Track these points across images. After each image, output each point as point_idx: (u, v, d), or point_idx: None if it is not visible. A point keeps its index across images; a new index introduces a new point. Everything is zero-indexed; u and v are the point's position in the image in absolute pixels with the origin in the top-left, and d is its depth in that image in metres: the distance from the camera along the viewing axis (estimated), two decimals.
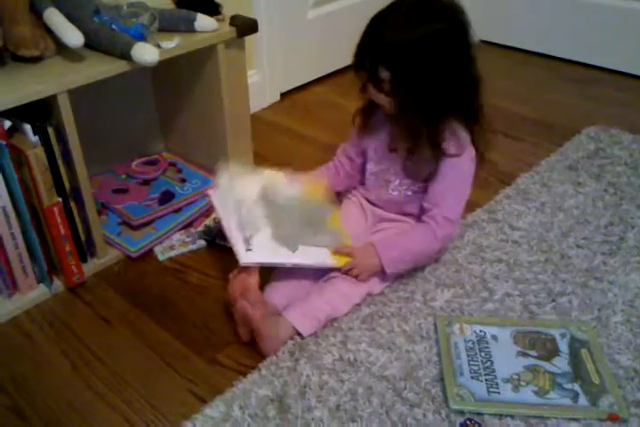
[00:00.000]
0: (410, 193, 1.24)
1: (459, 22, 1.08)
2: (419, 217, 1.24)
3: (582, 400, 0.99)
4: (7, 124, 1.09)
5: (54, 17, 1.15)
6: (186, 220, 1.42)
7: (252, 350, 1.10)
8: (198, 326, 1.17)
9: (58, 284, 1.25)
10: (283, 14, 1.90)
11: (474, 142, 1.20)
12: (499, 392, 1.00)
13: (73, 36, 1.13)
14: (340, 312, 1.15)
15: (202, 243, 1.37)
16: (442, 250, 1.27)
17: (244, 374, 1.06)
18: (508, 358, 1.06)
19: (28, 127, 1.11)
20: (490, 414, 0.98)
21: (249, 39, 1.40)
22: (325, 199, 1.24)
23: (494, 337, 1.10)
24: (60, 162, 1.16)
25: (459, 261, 1.29)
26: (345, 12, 2.08)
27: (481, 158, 1.22)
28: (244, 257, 1.11)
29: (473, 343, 1.08)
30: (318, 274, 1.20)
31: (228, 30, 1.33)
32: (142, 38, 1.19)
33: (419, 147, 1.15)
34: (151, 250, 1.35)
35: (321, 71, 2.15)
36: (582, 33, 2.16)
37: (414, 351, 1.08)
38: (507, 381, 1.02)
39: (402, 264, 1.20)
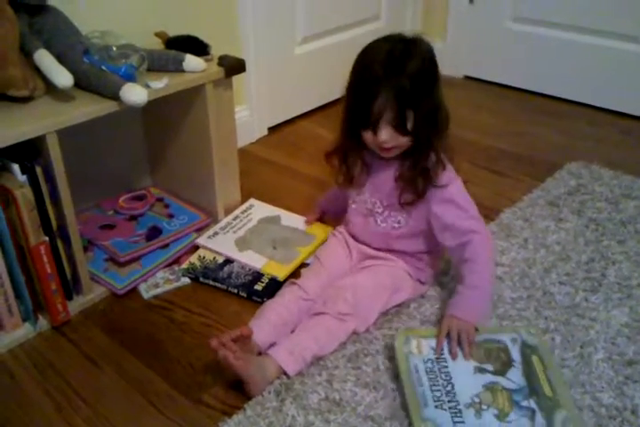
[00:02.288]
0: (396, 225, 1.26)
1: (430, 45, 1.16)
2: (405, 255, 1.27)
3: (539, 418, 1.00)
4: None
5: (44, 58, 1.17)
6: (173, 256, 1.42)
7: (238, 389, 1.10)
8: (183, 364, 1.17)
9: (43, 322, 1.25)
10: (271, 51, 1.94)
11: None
12: (463, 421, 1.00)
13: (62, 77, 1.14)
14: (326, 351, 1.15)
15: (186, 280, 1.37)
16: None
17: (230, 415, 1.05)
18: (466, 377, 1.07)
19: (15, 167, 1.12)
20: None
21: (237, 75, 1.43)
22: (320, 235, 1.46)
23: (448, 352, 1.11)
24: (47, 201, 1.16)
25: (443, 297, 1.30)
26: (331, 49, 2.13)
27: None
28: (201, 239, 1.46)
29: (432, 363, 1.09)
30: (303, 311, 1.21)
31: (216, 70, 1.36)
32: (131, 79, 1.22)
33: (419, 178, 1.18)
34: (136, 287, 1.35)
35: (308, 105, 2.18)
36: (556, 68, 2.23)
37: (400, 390, 1.09)
38: (469, 406, 1.02)
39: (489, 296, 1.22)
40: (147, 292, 1.34)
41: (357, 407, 1.06)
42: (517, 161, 1.87)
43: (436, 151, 1.17)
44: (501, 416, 1.01)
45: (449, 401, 1.03)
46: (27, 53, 1.17)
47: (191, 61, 1.32)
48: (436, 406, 1.02)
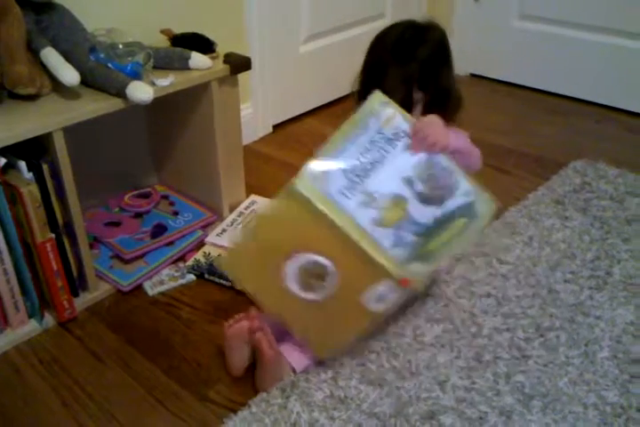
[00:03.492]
0: None
1: (443, 31, 1.18)
2: None
3: (401, 254, 0.96)
4: (2, 161, 1.10)
5: (51, 56, 1.17)
6: (178, 253, 1.43)
7: (243, 386, 1.11)
8: (188, 361, 1.18)
9: (49, 319, 1.25)
10: (275, 49, 1.94)
11: None
12: (348, 197, 0.95)
13: (69, 75, 1.15)
14: None
15: (191, 277, 1.37)
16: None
17: (235, 412, 1.06)
18: (391, 176, 0.99)
19: (22, 164, 1.12)
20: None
21: (242, 73, 1.43)
22: None
23: (408, 146, 1.02)
24: (53, 198, 1.17)
25: (448, 295, 1.30)
26: (335, 47, 2.12)
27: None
28: (211, 237, 1.45)
29: (382, 139, 1.00)
30: None
31: (221, 68, 1.36)
32: (137, 76, 1.22)
33: None
34: (141, 284, 1.35)
35: (312, 103, 2.18)
36: (562, 66, 2.22)
37: (404, 388, 1.09)
38: (366, 194, 0.97)
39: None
40: (152, 289, 1.34)
41: (362, 404, 1.06)
42: (522, 159, 1.86)
43: None
44: (377, 223, 0.95)
45: (356, 175, 0.97)
46: (33, 51, 1.18)
47: (197, 59, 1.32)
48: (344, 172, 0.96)
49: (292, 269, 1.00)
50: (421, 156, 1.02)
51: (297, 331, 1.07)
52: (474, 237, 1.06)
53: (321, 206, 0.95)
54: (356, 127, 0.99)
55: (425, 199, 1.01)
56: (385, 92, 1.10)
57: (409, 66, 1.12)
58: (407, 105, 1.12)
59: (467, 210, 1.03)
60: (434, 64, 1.14)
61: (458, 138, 1.11)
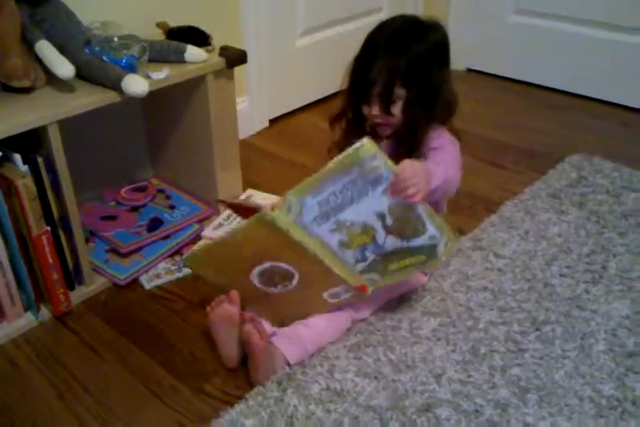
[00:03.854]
0: None
1: (446, 34, 1.17)
2: None
3: (361, 266, 1.08)
4: None
5: (46, 49, 1.17)
6: (174, 247, 1.42)
7: (239, 379, 1.11)
8: (185, 354, 1.18)
9: (45, 312, 1.25)
10: (272, 43, 1.94)
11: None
12: (319, 224, 1.01)
13: (64, 68, 1.14)
14: (328, 340, 1.16)
15: (187, 271, 1.37)
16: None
17: (231, 405, 1.06)
18: (365, 210, 1.04)
19: (17, 157, 1.12)
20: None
21: (238, 67, 1.43)
22: None
23: (387, 190, 1.04)
24: (49, 191, 1.16)
25: (444, 289, 1.31)
26: (332, 41, 2.12)
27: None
28: (207, 231, 1.46)
29: (363, 182, 1.01)
30: None
31: (217, 61, 1.36)
32: (133, 70, 1.21)
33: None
34: (137, 278, 1.35)
35: (309, 98, 2.18)
36: (558, 60, 2.22)
37: (400, 381, 1.09)
38: (338, 223, 1.02)
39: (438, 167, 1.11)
40: (148, 282, 1.34)
41: (358, 397, 1.06)
42: (519, 153, 1.87)
43: (423, 135, 1.16)
44: (343, 246, 1.04)
45: (332, 208, 1.01)
46: (28, 44, 1.17)
47: (192, 52, 1.32)
48: (319, 203, 1.00)
49: (257, 270, 1.07)
50: (399, 199, 1.05)
51: (264, 314, 1.14)
52: (432, 267, 1.17)
53: (296, 237, 0.99)
54: (338, 172, 1.01)
55: (392, 233, 1.09)
56: (369, 81, 1.12)
57: (398, 59, 1.11)
58: (387, 99, 1.13)
59: (428, 250, 1.12)
60: (425, 63, 1.13)
61: (439, 165, 1.10)
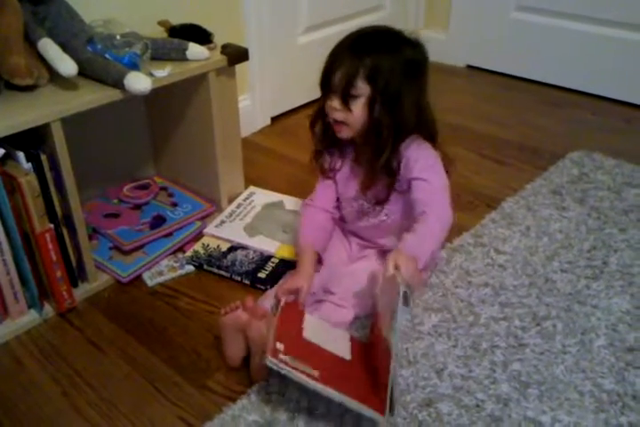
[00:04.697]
0: (384, 218, 1.27)
1: (425, 54, 1.16)
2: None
3: None
4: (0, 151, 1.10)
5: (48, 46, 1.17)
6: (177, 244, 1.43)
7: (242, 375, 1.12)
8: (187, 351, 1.18)
9: (48, 309, 1.26)
10: (274, 40, 1.94)
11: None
12: None
13: (67, 66, 1.15)
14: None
15: (190, 268, 1.38)
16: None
17: (234, 400, 1.06)
18: None
19: (20, 155, 1.13)
20: None
21: (240, 65, 1.43)
22: None
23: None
24: (52, 189, 1.17)
25: (446, 285, 1.31)
26: (334, 38, 2.08)
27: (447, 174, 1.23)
28: (209, 228, 1.46)
29: None
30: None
31: (219, 59, 1.36)
32: (135, 67, 1.22)
33: (378, 168, 1.17)
34: (140, 275, 1.36)
35: (311, 95, 2.17)
36: (559, 57, 2.22)
37: (402, 376, 1.10)
38: None
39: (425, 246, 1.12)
40: (151, 280, 1.35)
41: None
42: (520, 150, 1.87)
43: (386, 144, 1.15)
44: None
45: None
46: (31, 42, 1.17)
47: (194, 50, 1.32)
48: None
49: None
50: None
51: None
52: None
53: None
54: None
55: None
56: (332, 77, 1.14)
57: (365, 55, 1.11)
58: (346, 89, 1.12)
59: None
60: (393, 67, 1.11)
61: (425, 242, 1.10)
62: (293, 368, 0.96)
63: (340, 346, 1.10)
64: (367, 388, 1.01)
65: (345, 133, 1.19)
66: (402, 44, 1.14)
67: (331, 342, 1.09)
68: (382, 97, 1.12)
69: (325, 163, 1.30)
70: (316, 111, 1.25)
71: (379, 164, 1.17)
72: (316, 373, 0.98)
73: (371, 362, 1.07)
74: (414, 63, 1.14)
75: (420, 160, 1.17)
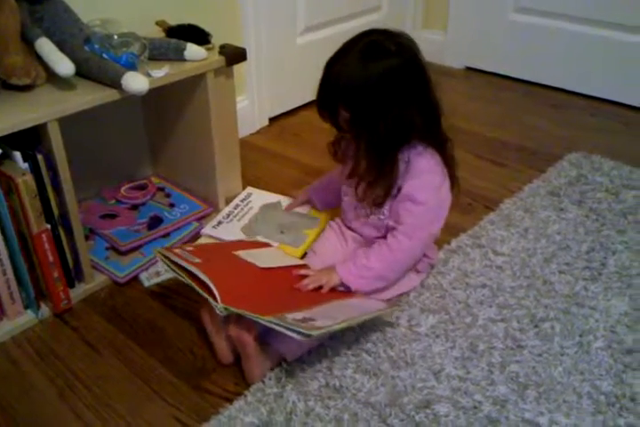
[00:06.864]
0: (382, 217, 1.26)
1: (410, 58, 1.13)
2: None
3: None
4: None
5: (45, 46, 1.17)
6: (174, 244, 1.43)
7: (238, 376, 1.11)
8: (184, 351, 1.18)
9: (45, 310, 1.26)
10: (272, 41, 1.94)
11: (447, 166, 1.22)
12: None
13: (64, 66, 1.15)
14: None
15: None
16: (417, 258, 1.25)
17: (230, 401, 1.06)
18: None
19: (17, 155, 1.12)
20: None
21: (238, 65, 1.43)
22: (324, 218, 1.46)
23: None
24: (49, 189, 1.17)
25: (443, 286, 1.31)
26: (333, 39, 2.09)
27: (453, 180, 1.24)
28: (206, 229, 1.45)
29: None
30: None
31: (216, 59, 1.36)
32: (133, 67, 1.21)
33: (377, 179, 1.18)
34: (137, 275, 1.36)
35: (309, 96, 2.17)
36: (557, 59, 2.22)
37: (399, 377, 1.10)
38: None
39: (362, 280, 1.19)
40: (148, 280, 1.34)
41: (357, 394, 1.07)
42: (518, 151, 1.87)
43: (380, 152, 1.15)
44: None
45: None
46: (28, 41, 1.17)
47: (192, 50, 1.32)
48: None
49: None
50: None
51: None
52: None
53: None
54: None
55: None
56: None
57: (336, 86, 1.12)
58: (329, 117, 1.16)
59: None
60: (365, 90, 1.09)
61: (370, 270, 1.20)
62: (177, 255, 1.03)
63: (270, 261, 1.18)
64: (245, 289, 1.06)
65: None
66: (381, 55, 1.11)
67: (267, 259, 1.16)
68: (363, 116, 1.12)
69: (339, 149, 1.29)
70: None
71: (374, 171, 1.17)
72: (197, 260, 1.04)
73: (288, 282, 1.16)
74: (395, 72, 1.10)
75: (414, 174, 1.17)
